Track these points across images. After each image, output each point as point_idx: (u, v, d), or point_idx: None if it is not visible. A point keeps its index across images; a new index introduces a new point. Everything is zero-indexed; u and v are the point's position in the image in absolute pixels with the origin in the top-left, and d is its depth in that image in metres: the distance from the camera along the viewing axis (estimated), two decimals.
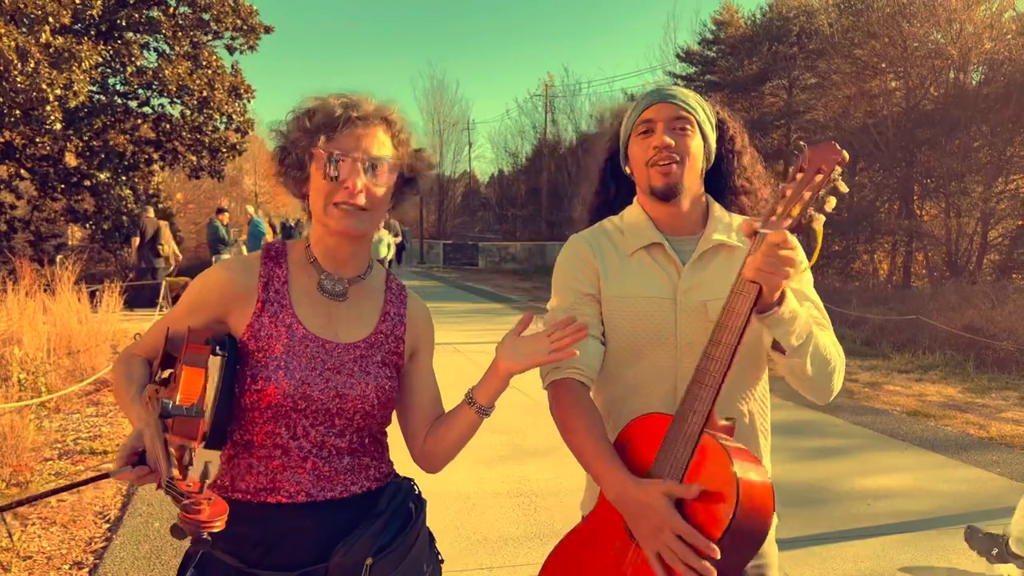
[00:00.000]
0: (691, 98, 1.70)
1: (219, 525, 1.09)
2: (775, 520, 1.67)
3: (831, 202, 1.40)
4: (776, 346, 1.57)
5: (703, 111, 1.71)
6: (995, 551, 3.08)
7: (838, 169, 1.39)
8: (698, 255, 1.68)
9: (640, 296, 1.67)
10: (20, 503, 1.24)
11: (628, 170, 1.77)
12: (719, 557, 1.33)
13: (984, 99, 15.32)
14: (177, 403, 1.23)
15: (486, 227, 40.85)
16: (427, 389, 1.65)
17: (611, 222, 1.79)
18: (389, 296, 1.60)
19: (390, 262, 13.89)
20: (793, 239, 1.43)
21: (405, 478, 1.61)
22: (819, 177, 1.39)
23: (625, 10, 78.91)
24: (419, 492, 1.60)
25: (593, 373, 1.67)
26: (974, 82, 16.29)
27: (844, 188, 1.41)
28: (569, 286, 1.73)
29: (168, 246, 14.31)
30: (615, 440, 1.57)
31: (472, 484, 4.93)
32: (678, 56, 25.22)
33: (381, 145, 1.48)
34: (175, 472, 1.15)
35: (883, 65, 17.44)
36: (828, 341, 1.60)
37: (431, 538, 1.61)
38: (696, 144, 1.68)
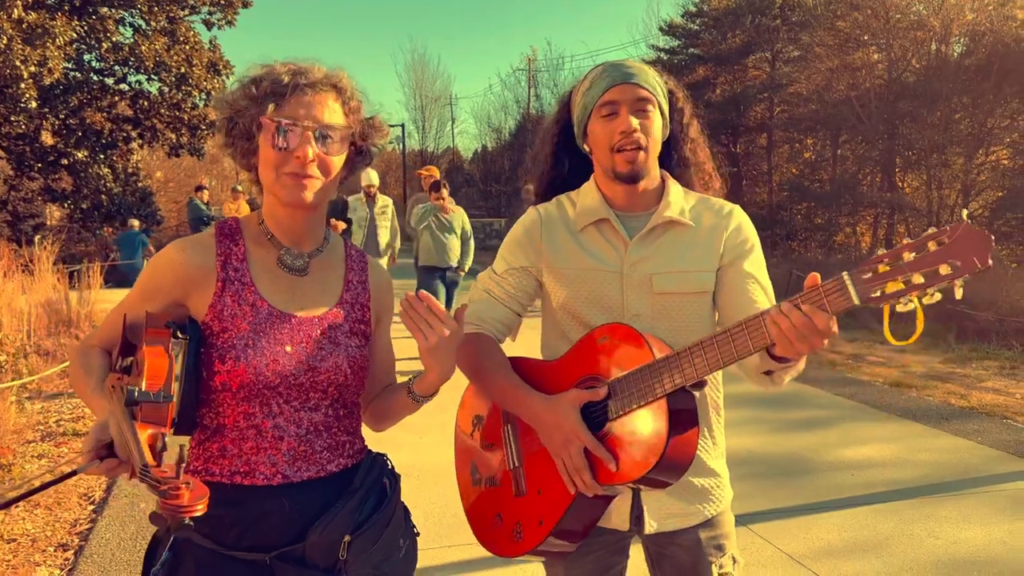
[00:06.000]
0: (650, 75, 1.71)
1: (200, 509, 1.04)
2: (729, 493, 1.81)
3: (936, 296, 1.26)
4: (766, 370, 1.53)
5: (660, 88, 1.72)
6: None
7: (973, 269, 1.22)
8: (647, 230, 1.71)
9: (587, 268, 1.72)
10: None
11: (587, 148, 1.77)
12: (614, 468, 1.50)
13: (965, 71, 15.32)
14: (143, 389, 1.18)
15: (470, 203, 40.59)
16: (383, 358, 1.65)
17: (568, 198, 1.83)
18: (350, 264, 1.58)
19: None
20: (834, 326, 1.32)
21: (379, 454, 1.61)
22: (946, 269, 1.24)
23: None
24: (392, 467, 1.61)
25: (502, 336, 1.82)
26: (956, 54, 16.28)
27: (959, 293, 1.24)
28: (506, 257, 1.84)
29: None
30: (597, 329, 1.63)
31: None
32: (661, 29, 25.04)
33: (332, 113, 1.43)
34: (148, 459, 1.08)
35: (865, 37, 17.42)
36: None
37: (407, 512, 1.61)
38: (657, 126, 1.69)
